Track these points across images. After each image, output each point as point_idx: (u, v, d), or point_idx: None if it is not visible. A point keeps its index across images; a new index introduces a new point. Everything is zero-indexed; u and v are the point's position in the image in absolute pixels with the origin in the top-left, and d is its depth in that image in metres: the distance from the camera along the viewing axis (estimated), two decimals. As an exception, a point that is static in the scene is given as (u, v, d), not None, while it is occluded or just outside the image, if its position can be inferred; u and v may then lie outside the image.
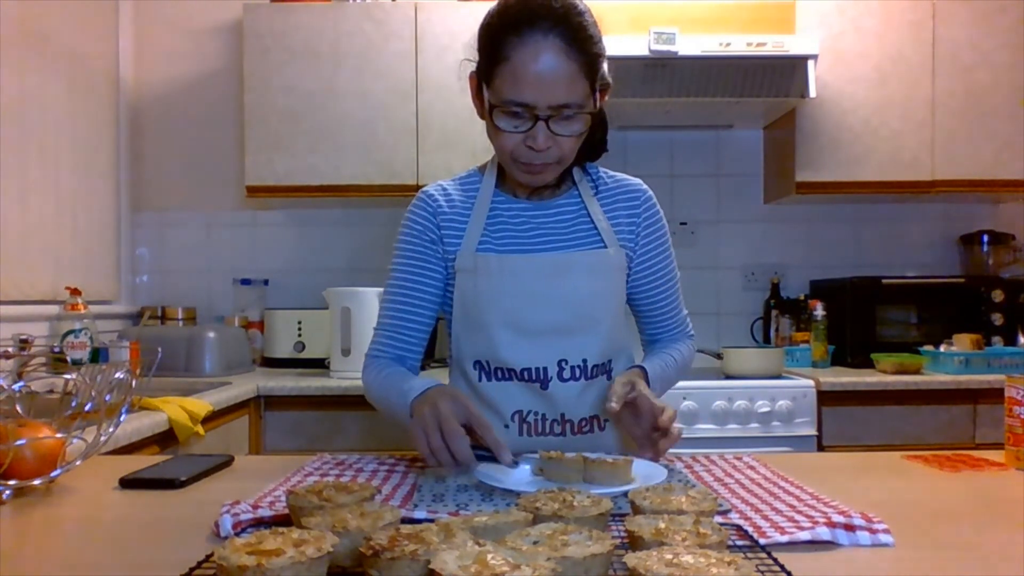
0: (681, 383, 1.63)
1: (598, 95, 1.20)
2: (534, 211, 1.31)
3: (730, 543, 0.74)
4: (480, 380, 1.28)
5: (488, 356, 1.27)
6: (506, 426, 1.27)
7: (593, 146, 1.33)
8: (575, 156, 1.25)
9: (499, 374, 1.27)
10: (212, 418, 2.03)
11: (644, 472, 1.05)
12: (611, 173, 1.37)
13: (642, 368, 1.28)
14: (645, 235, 1.34)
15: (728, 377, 2.55)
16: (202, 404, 1.95)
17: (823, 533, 0.78)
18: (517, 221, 1.30)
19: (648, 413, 1.15)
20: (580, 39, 1.13)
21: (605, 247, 1.29)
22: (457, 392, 1.11)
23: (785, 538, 0.77)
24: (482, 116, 1.24)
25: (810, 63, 2.60)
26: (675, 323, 1.41)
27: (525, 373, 1.25)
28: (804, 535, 0.78)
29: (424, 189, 1.35)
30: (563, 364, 1.26)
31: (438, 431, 1.02)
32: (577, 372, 1.27)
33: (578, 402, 1.27)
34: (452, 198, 1.33)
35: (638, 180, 1.37)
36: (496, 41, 1.14)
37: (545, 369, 1.25)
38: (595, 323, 1.27)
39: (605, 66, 1.20)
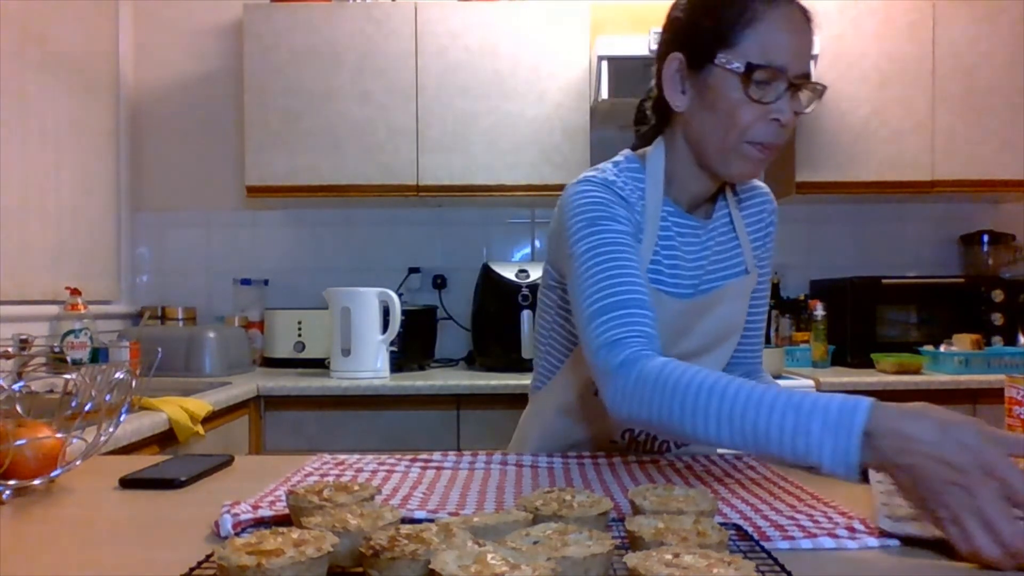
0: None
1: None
2: (699, 231, 1.19)
3: (730, 543, 0.74)
4: (597, 393, 1.18)
5: None
6: (613, 441, 1.24)
7: None
8: None
9: None
10: (212, 418, 2.03)
11: None
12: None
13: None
14: (765, 251, 1.28)
15: (728, 377, 2.55)
16: (202, 404, 1.95)
17: (826, 543, 0.77)
18: (685, 244, 1.18)
19: None
20: (811, 13, 1.10)
21: (747, 272, 1.23)
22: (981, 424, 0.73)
23: (787, 543, 0.77)
24: (682, 107, 1.11)
25: (810, 63, 2.59)
26: (757, 349, 1.34)
27: None
28: (807, 543, 0.78)
29: (603, 177, 1.13)
30: None
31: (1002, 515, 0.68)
32: None
33: None
34: (629, 198, 1.13)
35: (766, 188, 1.30)
36: (741, 3, 1.05)
37: None
38: (724, 346, 1.24)
39: None
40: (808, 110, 1.10)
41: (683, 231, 1.17)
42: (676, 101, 1.12)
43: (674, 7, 1.14)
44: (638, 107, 1.27)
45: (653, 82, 1.18)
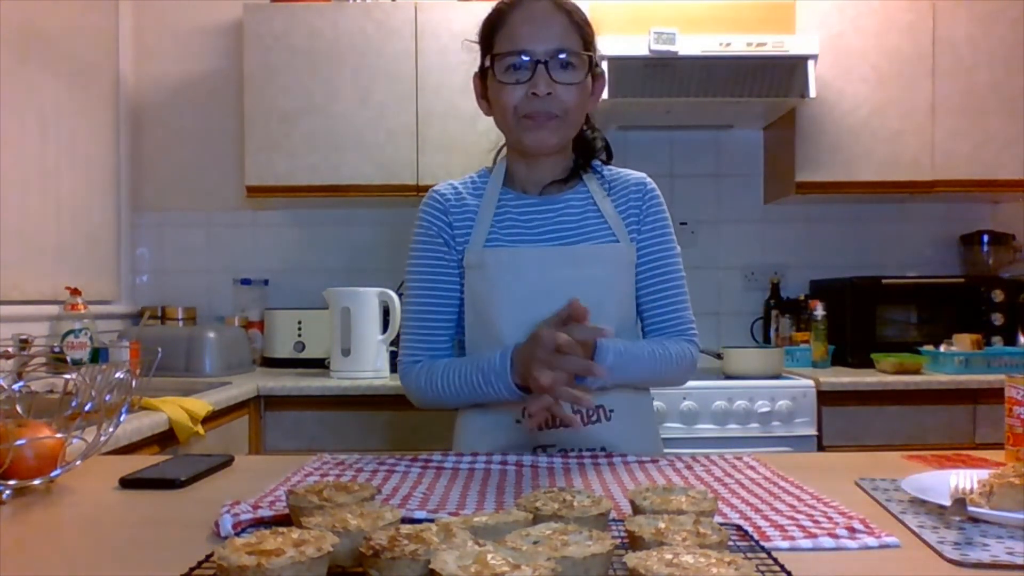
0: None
1: (592, 71, 1.29)
2: (542, 206, 1.35)
3: (730, 543, 0.74)
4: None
5: None
6: (518, 421, 1.27)
7: (591, 149, 1.39)
8: (581, 148, 1.37)
9: None
10: (212, 418, 2.03)
11: None
12: (617, 170, 1.41)
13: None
14: (648, 225, 1.36)
15: (728, 377, 2.55)
16: (202, 404, 1.95)
17: (826, 543, 0.78)
18: (525, 217, 1.34)
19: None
20: (568, 3, 1.28)
21: (616, 240, 1.32)
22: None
23: (787, 543, 0.77)
24: (488, 112, 1.34)
25: (810, 63, 2.60)
26: (674, 322, 1.36)
27: None
28: (807, 543, 0.78)
29: (435, 188, 1.40)
30: None
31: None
32: None
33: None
34: (462, 195, 1.37)
35: (643, 174, 1.42)
36: (495, 15, 1.29)
37: None
38: (604, 315, 1.24)
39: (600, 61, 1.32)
40: (571, 80, 1.25)
41: (522, 208, 1.35)
42: (484, 108, 1.35)
43: None
44: None
45: None
